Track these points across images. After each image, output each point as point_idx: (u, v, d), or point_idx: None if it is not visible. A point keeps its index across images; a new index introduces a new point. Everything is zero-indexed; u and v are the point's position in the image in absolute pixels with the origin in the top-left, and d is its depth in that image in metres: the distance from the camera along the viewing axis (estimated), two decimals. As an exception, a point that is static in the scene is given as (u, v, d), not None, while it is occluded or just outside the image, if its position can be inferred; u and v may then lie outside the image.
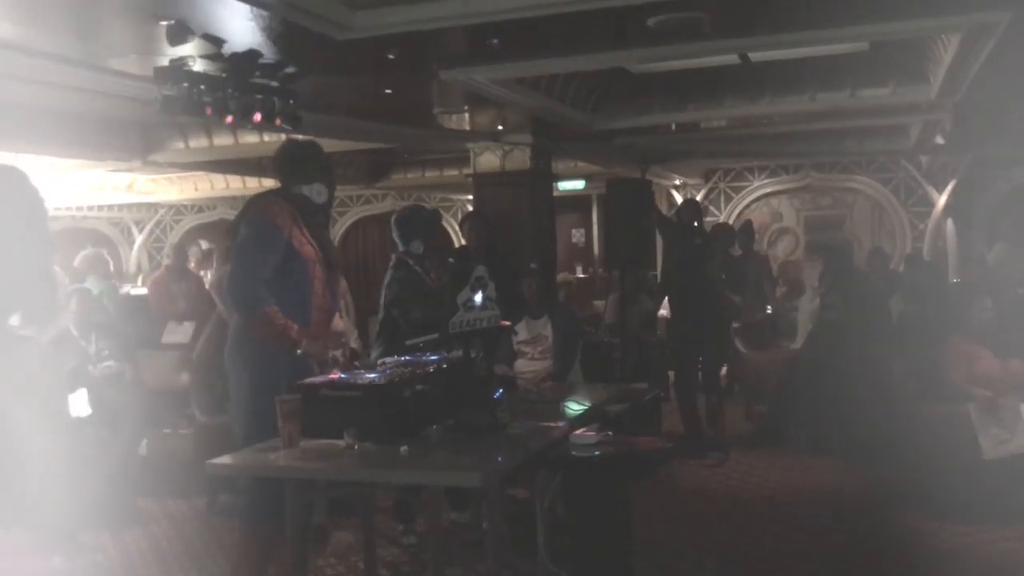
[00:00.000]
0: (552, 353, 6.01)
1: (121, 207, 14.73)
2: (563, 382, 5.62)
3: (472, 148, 8.80)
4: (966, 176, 11.87)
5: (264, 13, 4.56)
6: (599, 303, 10.63)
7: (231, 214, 12.08)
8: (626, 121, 8.85)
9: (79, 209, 14.09)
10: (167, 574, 4.81)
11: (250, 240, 3.87)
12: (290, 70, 5.35)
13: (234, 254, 3.94)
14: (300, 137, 4.79)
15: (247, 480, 3.86)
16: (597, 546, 3.99)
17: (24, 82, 5.73)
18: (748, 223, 10.35)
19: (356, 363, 4.50)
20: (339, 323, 6.32)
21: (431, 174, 12.32)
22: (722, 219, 13.64)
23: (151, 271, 13.31)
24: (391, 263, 5.09)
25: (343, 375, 3.66)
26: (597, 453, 3.56)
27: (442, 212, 13.95)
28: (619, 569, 3.96)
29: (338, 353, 4.13)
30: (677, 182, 13.88)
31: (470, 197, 10.81)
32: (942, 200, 12.44)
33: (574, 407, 3.99)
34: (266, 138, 7.96)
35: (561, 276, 10.14)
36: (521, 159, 8.57)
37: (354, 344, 6.77)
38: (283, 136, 5.74)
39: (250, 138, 8.27)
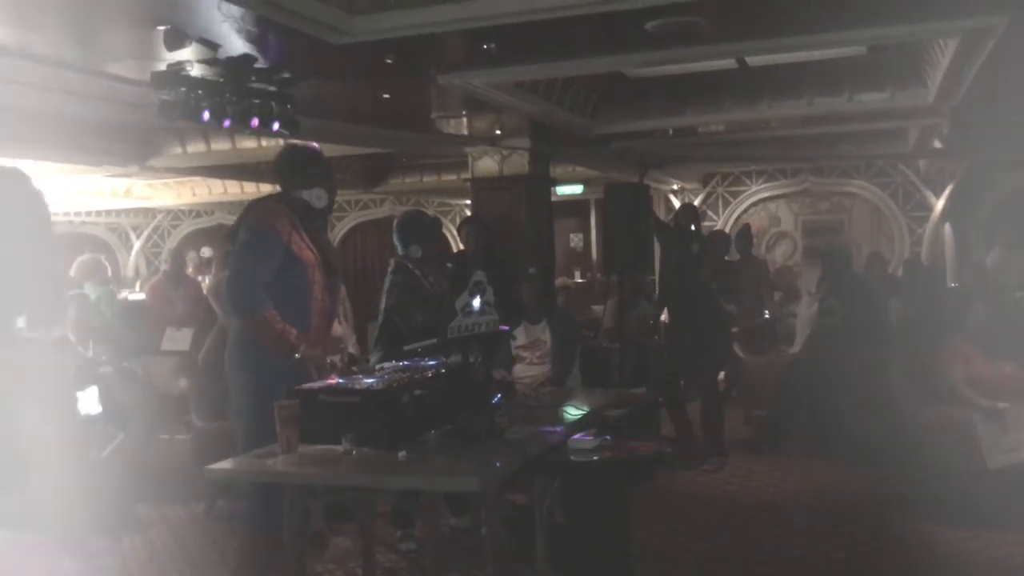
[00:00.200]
0: (551, 358, 6.01)
1: (119, 212, 14.72)
2: (562, 387, 5.62)
3: (470, 152, 8.79)
4: (964, 180, 11.88)
5: (262, 17, 4.55)
6: (598, 308, 10.63)
7: (229, 219, 12.08)
8: (624, 125, 8.84)
9: (77, 215, 14.08)
10: (164, 580, 4.80)
11: (249, 244, 3.87)
12: (286, 75, 5.35)
13: (233, 258, 3.95)
14: (300, 142, 4.80)
15: (247, 486, 3.85)
16: (596, 551, 3.98)
17: (21, 86, 5.72)
18: (746, 227, 10.35)
19: (354, 368, 4.49)
20: (338, 328, 6.32)
21: (429, 179, 12.31)
22: (720, 223, 13.66)
23: (149, 276, 13.30)
24: (390, 268, 5.08)
25: (341, 380, 3.66)
26: (596, 458, 3.55)
27: (441, 217, 13.98)
28: (618, 574, 3.96)
29: (336, 358, 4.14)
30: (675, 187, 13.88)
31: (468, 202, 10.80)
32: (940, 204, 12.44)
33: (573, 412, 3.98)
34: (264, 143, 7.96)
35: (559, 281, 10.13)
36: (519, 164, 8.57)
37: (352, 349, 6.76)
38: (281, 141, 5.73)
39: (248, 143, 8.26)
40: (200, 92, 5.05)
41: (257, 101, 5.31)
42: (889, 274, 9.60)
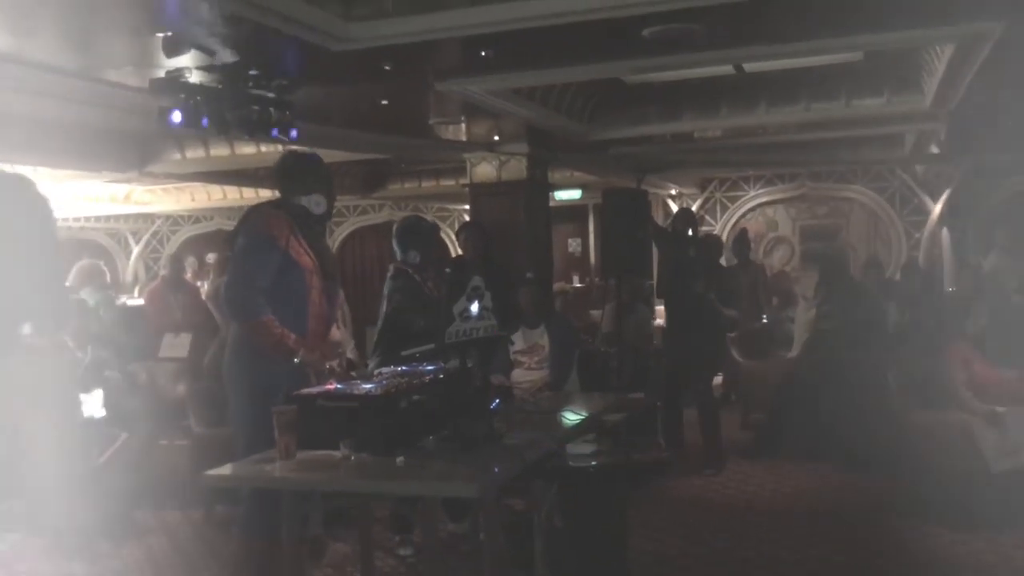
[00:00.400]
0: (549, 363, 6.01)
1: (118, 218, 14.72)
2: (560, 392, 5.62)
3: (468, 158, 8.82)
4: (961, 185, 11.90)
5: (260, 24, 4.57)
6: (596, 312, 10.62)
7: (228, 225, 12.08)
8: (622, 131, 8.87)
9: (76, 220, 14.07)
10: (163, 586, 4.81)
11: (247, 250, 3.89)
12: (284, 81, 5.36)
13: (231, 264, 3.97)
14: (300, 148, 4.81)
15: (244, 490, 3.86)
16: (594, 556, 3.99)
17: (21, 93, 5.73)
18: (743, 231, 10.38)
19: (353, 373, 4.50)
20: (336, 333, 6.32)
21: (428, 184, 12.33)
22: (718, 228, 13.68)
23: (148, 282, 13.29)
24: (389, 273, 5.09)
25: (340, 385, 3.66)
26: (594, 464, 3.56)
27: (439, 222, 13.99)
28: (616, 579, 3.96)
29: (335, 363, 4.14)
30: (673, 192, 13.91)
31: (467, 207, 10.82)
32: (937, 209, 12.47)
33: (571, 417, 3.98)
34: (262, 149, 7.98)
35: (557, 286, 10.14)
36: (517, 169, 8.59)
37: (351, 354, 6.76)
38: (279, 147, 5.75)
39: (246, 149, 8.28)
40: (199, 99, 5.07)
41: (256, 107, 5.32)
42: (886, 279, 9.61)
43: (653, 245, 7.31)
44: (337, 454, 3.25)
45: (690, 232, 7.13)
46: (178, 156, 8.73)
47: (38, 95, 5.84)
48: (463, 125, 8.44)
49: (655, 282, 8.12)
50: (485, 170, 8.72)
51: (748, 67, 7.59)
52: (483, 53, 5.62)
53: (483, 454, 3.29)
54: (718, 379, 8.47)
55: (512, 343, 5.96)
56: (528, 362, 6.03)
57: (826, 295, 7.35)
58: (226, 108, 5.15)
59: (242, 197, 11.51)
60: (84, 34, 4.97)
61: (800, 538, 5.17)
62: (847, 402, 6.49)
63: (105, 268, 8.48)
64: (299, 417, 3.32)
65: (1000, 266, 8.68)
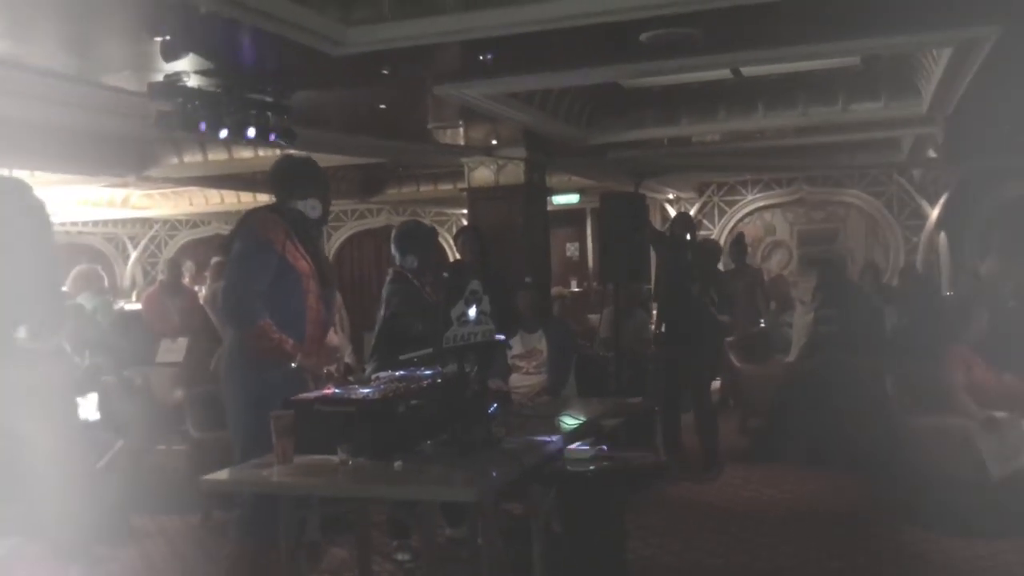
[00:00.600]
0: (547, 367, 6.01)
1: (116, 222, 14.71)
2: (558, 396, 5.62)
3: (466, 163, 8.82)
4: (959, 189, 11.92)
5: (258, 28, 4.57)
6: (594, 317, 10.63)
7: (226, 229, 12.06)
8: (619, 135, 8.88)
9: (73, 225, 14.06)
10: (160, 591, 4.79)
11: (244, 255, 3.88)
12: (282, 86, 5.37)
13: (228, 269, 3.96)
14: (296, 152, 4.81)
15: (244, 494, 3.85)
16: (592, 561, 3.98)
17: (19, 97, 5.73)
18: (740, 236, 10.39)
19: (350, 378, 4.49)
20: (334, 338, 6.31)
21: (425, 188, 12.33)
22: (715, 233, 13.69)
23: (146, 286, 13.29)
24: (389, 277, 5.09)
25: (337, 390, 3.66)
26: (592, 468, 3.55)
27: (437, 227, 13.99)
28: (614, 584, 3.95)
29: (333, 368, 4.14)
30: (671, 196, 13.92)
31: (464, 211, 10.82)
32: (935, 213, 12.49)
33: (569, 421, 3.98)
34: (260, 153, 7.97)
35: (555, 290, 10.14)
36: (515, 173, 8.59)
37: (349, 359, 6.76)
38: (278, 151, 5.75)
39: (244, 153, 8.27)
40: (197, 103, 5.07)
41: (254, 112, 5.33)
42: (884, 283, 9.63)
43: (651, 249, 7.31)
44: (335, 459, 3.25)
45: (688, 237, 7.13)
46: (176, 160, 8.73)
47: (36, 99, 5.84)
48: (461, 129, 8.45)
49: (653, 287, 8.13)
50: (483, 174, 8.72)
51: (746, 71, 7.61)
52: (481, 57, 5.63)
53: (481, 459, 3.28)
54: (716, 384, 8.47)
55: (510, 347, 5.95)
56: (526, 366, 6.03)
57: (824, 299, 7.35)
58: (224, 112, 5.16)
59: (240, 201, 11.51)
60: (82, 38, 4.98)
61: (798, 543, 5.17)
62: (845, 406, 6.49)
63: (103, 273, 8.48)
64: (297, 422, 3.31)
65: (997, 270, 8.69)
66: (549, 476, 3.62)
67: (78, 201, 11.06)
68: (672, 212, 13.54)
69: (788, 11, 5.05)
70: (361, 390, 3.57)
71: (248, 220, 4.03)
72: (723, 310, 7.89)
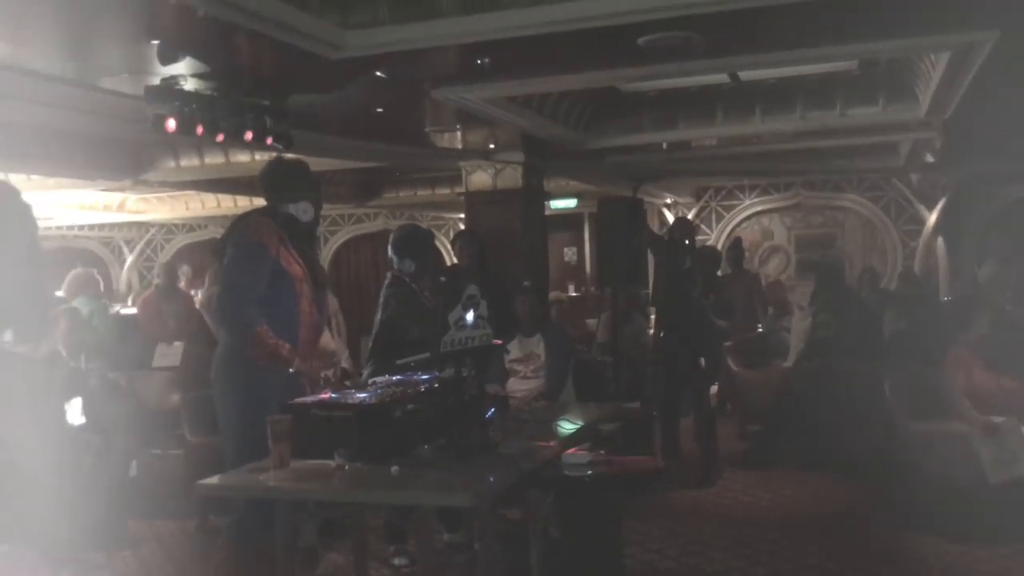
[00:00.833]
0: (545, 372, 6.00)
1: (112, 226, 14.70)
2: (556, 401, 5.60)
3: (464, 167, 8.81)
4: (956, 194, 11.93)
5: (256, 32, 4.56)
6: (591, 321, 10.62)
7: (222, 233, 12.05)
8: (617, 140, 8.88)
9: (70, 228, 14.05)
10: (156, 597, 4.77)
11: (238, 261, 3.86)
12: (279, 89, 5.36)
13: (223, 275, 3.94)
14: (287, 156, 4.78)
15: (236, 501, 3.83)
16: (590, 567, 3.97)
17: (15, 101, 5.72)
18: (737, 240, 10.38)
19: (347, 383, 4.47)
20: (331, 342, 6.30)
21: (423, 192, 12.33)
22: (713, 237, 13.70)
23: (142, 290, 13.26)
24: (387, 281, 5.08)
25: (334, 395, 3.64)
26: (589, 473, 3.55)
27: (434, 231, 13.98)
28: (612, 590, 3.94)
29: (330, 372, 4.12)
30: (668, 200, 13.93)
31: (462, 216, 10.81)
32: (933, 218, 12.50)
33: (567, 426, 3.97)
34: (257, 157, 7.95)
35: (553, 295, 10.14)
36: (513, 177, 8.59)
37: (345, 364, 6.74)
38: (274, 155, 5.73)
39: (241, 157, 8.26)
40: (194, 106, 5.06)
41: (251, 115, 5.32)
42: (882, 288, 9.62)
43: (649, 254, 7.30)
44: (331, 463, 3.24)
45: (686, 241, 7.12)
46: (172, 164, 8.72)
47: (32, 103, 5.83)
48: (458, 133, 8.44)
49: (651, 291, 8.11)
50: (480, 178, 8.71)
51: (743, 75, 7.61)
52: (479, 61, 5.62)
53: (478, 463, 3.27)
54: (713, 389, 8.46)
55: (508, 352, 5.94)
56: (524, 371, 6.02)
57: (822, 304, 7.35)
58: (221, 116, 5.15)
59: (236, 205, 11.50)
60: (79, 42, 4.96)
61: (797, 548, 5.15)
62: (843, 411, 6.48)
63: (99, 277, 8.42)
64: (294, 426, 3.30)
65: (995, 275, 8.69)
66: (547, 481, 3.61)
67: (74, 205, 11.05)
68: (670, 216, 13.54)
69: (786, 15, 5.04)
70: (358, 394, 3.56)
71: (240, 225, 4.01)
72: (722, 316, 7.89)
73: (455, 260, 7.39)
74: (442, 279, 5.45)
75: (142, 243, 15.82)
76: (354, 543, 4.21)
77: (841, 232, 13.53)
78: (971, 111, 7.19)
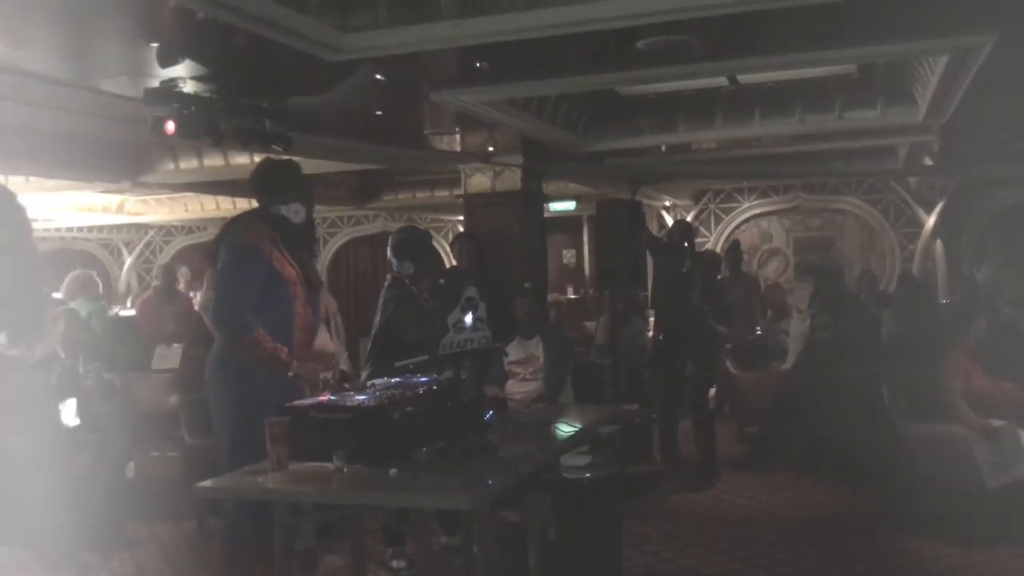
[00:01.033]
0: (543, 374, 6.00)
1: (111, 228, 14.68)
2: (554, 403, 5.60)
3: (463, 169, 8.82)
4: (955, 197, 11.95)
5: (255, 34, 4.57)
6: (590, 324, 10.62)
7: (214, 236, 12.04)
8: (616, 142, 8.89)
9: (69, 230, 14.04)
10: (154, 599, 4.77)
11: (232, 266, 3.83)
12: (279, 92, 5.36)
13: (217, 282, 3.90)
14: (277, 157, 4.76)
15: (232, 503, 3.82)
16: (588, 569, 3.97)
17: (14, 103, 5.72)
18: (735, 243, 10.38)
19: (346, 385, 4.48)
20: (330, 344, 6.31)
21: (422, 195, 12.33)
22: (712, 240, 13.70)
23: (141, 292, 13.26)
24: (387, 283, 5.09)
25: (333, 397, 3.64)
26: (588, 476, 3.55)
27: (433, 233, 13.98)
28: (610, 592, 3.94)
29: (329, 375, 4.11)
30: (667, 203, 13.93)
31: (461, 218, 10.82)
32: (931, 221, 12.51)
33: (565, 429, 3.97)
34: (256, 159, 7.94)
35: (552, 297, 10.14)
36: (512, 180, 8.59)
37: (344, 366, 6.74)
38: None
39: (241, 159, 8.26)
40: (193, 108, 5.06)
41: (250, 118, 5.32)
42: (880, 291, 9.62)
43: (648, 256, 7.31)
44: (330, 466, 3.24)
45: (686, 244, 7.12)
46: (172, 166, 8.71)
47: (31, 105, 5.83)
48: (457, 136, 8.45)
49: (650, 294, 8.12)
50: (479, 181, 8.72)
51: (742, 79, 7.63)
52: (477, 64, 5.63)
53: (477, 466, 3.27)
54: (711, 391, 8.46)
55: (507, 354, 5.94)
56: (523, 372, 6.02)
57: (820, 307, 7.35)
58: (220, 118, 5.15)
59: (235, 207, 11.48)
60: (78, 44, 4.97)
61: (795, 550, 5.15)
62: (842, 414, 6.48)
63: (98, 279, 8.41)
64: (292, 428, 3.29)
65: (993, 278, 8.71)
66: (545, 484, 3.61)
67: (73, 207, 11.04)
68: (669, 219, 13.55)
69: (784, 19, 5.05)
70: (357, 397, 3.56)
71: (233, 228, 3.97)
72: (722, 321, 7.89)
73: (454, 262, 7.39)
74: (441, 281, 5.45)
75: (141, 245, 15.81)
76: (352, 545, 4.21)
77: (840, 235, 13.54)
78: (969, 114, 7.20)
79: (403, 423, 3.38)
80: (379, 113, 7.08)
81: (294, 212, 3.97)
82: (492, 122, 7.32)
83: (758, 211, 13.91)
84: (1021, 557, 4.84)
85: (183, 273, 10.78)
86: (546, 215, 9.85)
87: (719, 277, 8.94)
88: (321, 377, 4.18)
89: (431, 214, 14.50)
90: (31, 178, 8.39)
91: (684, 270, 6.86)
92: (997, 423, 5.25)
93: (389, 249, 5.07)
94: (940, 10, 5.06)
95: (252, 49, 4.80)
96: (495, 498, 3.26)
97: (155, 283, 9.15)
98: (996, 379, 5.50)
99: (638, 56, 5.58)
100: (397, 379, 3.92)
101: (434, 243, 10.85)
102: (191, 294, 9.93)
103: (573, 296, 14.87)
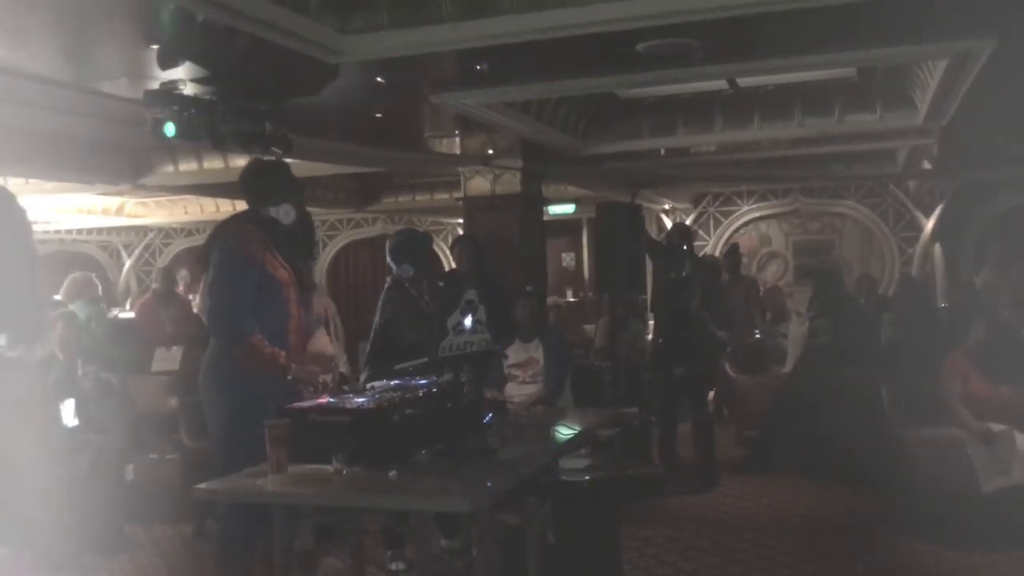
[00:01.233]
0: (543, 377, 6.00)
1: (110, 230, 14.68)
2: (554, 406, 5.60)
3: (462, 172, 8.82)
4: (954, 201, 11.96)
5: (256, 37, 4.57)
6: (589, 327, 10.63)
7: (205, 240, 12.03)
8: (615, 146, 8.90)
9: (68, 232, 14.04)
10: (152, 602, 4.76)
11: (226, 271, 3.81)
12: (279, 94, 5.36)
13: (213, 287, 3.87)
14: (267, 158, 4.74)
15: (224, 506, 3.81)
16: (588, 573, 3.96)
17: (13, 104, 5.71)
18: (734, 246, 10.39)
19: (345, 387, 4.47)
20: (329, 347, 6.30)
21: (422, 198, 12.33)
22: (711, 243, 13.71)
23: (140, 294, 13.25)
24: (386, 285, 5.09)
25: (332, 399, 3.64)
26: (587, 479, 3.55)
27: (433, 236, 13.98)
28: (610, 596, 3.94)
29: (328, 377, 4.10)
30: (667, 206, 13.94)
31: (460, 221, 10.82)
32: (930, 225, 12.52)
33: (564, 431, 3.97)
34: (256, 161, 7.94)
35: (551, 300, 10.14)
36: (511, 183, 8.59)
37: (343, 368, 6.74)
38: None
39: (240, 162, 8.23)
40: (193, 111, 5.05)
41: (250, 120, 5.31)
42: (879, 294, 9.63)
43: (647, 260, 7.31)
44: (329, 468, 3.23)
45: (685, 247, 7.13)
46: (171, 169, 8.71)
47: (31, 107, 5.82)
48: (457, 139, 8.45)
49: (650, 297, 8.12)
50: (479, 184, 8.72)
51: (742, 82, 7.64)
52: (478, 67, 5.63)
53: (476, 469, 3.27)
54: (710, 394, 8.46)
55: (506, 357, 5.94)
56: (522, 375, 6.02)
57: (819, 310, 7.35)
58: (220, 121, 5.14)
59: (235, 210, 11.45)
60: (78, 46, 4.97)
61: (794, 554, 5.15)
62: (841, 417, 6.48)
63: (97, 281, 8.41)
64: (291, 431, 3.29)
65: (992, 282, 8.71)
66: (545, 487, 3.61)
67: (73, 209, 11.04)
68: (668, 222, 13.55)
69: (784, 22, 5.06)
70: (356, 399, 3.55)
71: (224, 231, 3.95)
72: (722, 326, 7.89)
73: (454, 265, 7.39)
74: (441, 284, 5.46)
75: (140, 247, 15.81)
76: (352, 548, 4.21)
77: (839, 238, 13.55)
78: (968, 118, 7.21)
79: (402, 425, 3.38)
80: (379, 116, 7.09)
81: (284, 213, 3.94)
82: (492, 125, 7.33)
83: (757, 214, 13.92)
84: (1022, 560, 4.84)
85: (182, 275, 10.78)
86: (545, 218, 9.85)
87: (717, 281, 8.94)
88: (320, 379, 4.18)
89: (431, 217, 14.50)
90: (31, 180, 8.40)
91: (684, 274, 6.85)
92: (996, 427, 5.25)
93: (388, 252, 5.07)
94: (940, 14, 5.07)
95: (252, 51, 4.80)
96: (494, 501, 3.26)
97: (154, 285, 9.14)
98: (995, 383, 5.50)
99: (638, 59, 5.59)
100: (396, 381, 3.92)
101: (434, 246, 10.89)
102: (190, 296, 9.93)
103: (572, 299, 14.88)
